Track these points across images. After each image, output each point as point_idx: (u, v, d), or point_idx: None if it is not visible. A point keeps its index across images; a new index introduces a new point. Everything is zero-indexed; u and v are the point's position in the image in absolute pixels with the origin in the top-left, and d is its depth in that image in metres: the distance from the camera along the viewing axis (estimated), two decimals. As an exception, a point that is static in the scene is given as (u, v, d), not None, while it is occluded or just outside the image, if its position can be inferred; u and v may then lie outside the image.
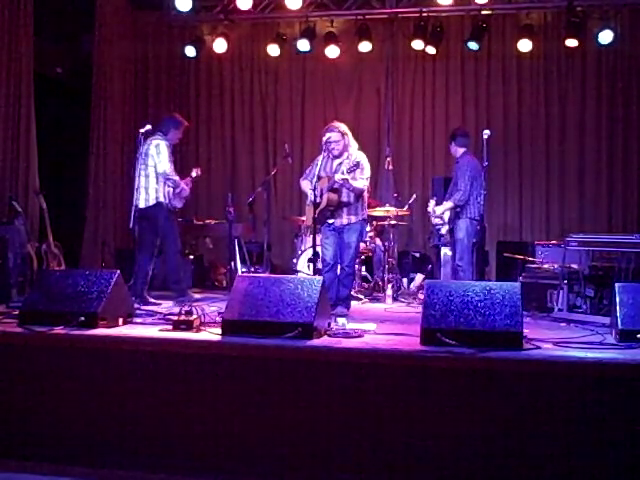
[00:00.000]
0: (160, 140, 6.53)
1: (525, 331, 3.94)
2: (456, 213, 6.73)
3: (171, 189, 6.52)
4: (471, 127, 9.37)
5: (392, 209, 7.80)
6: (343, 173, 5.82)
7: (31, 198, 7.90)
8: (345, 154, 6.06)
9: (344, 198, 6.03)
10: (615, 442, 3.45)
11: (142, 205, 6.40)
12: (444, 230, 6.91)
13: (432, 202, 7.07)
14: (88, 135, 9.39)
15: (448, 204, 6.79)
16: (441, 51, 9.25)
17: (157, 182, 6.45)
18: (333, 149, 6.04)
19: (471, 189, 6.64)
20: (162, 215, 6.44)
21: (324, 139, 6.00)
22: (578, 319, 5.37)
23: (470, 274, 6.55)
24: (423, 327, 3.91)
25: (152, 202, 6.43)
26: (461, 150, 6.96)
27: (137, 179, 6.39)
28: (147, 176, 6.44)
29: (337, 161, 6.09)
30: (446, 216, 6.82)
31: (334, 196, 5.99)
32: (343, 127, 6.08)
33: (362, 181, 6.01)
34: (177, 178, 6.55)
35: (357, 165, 5.89)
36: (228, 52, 9.68)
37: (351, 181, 5.87)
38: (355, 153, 6.09)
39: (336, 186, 5.95)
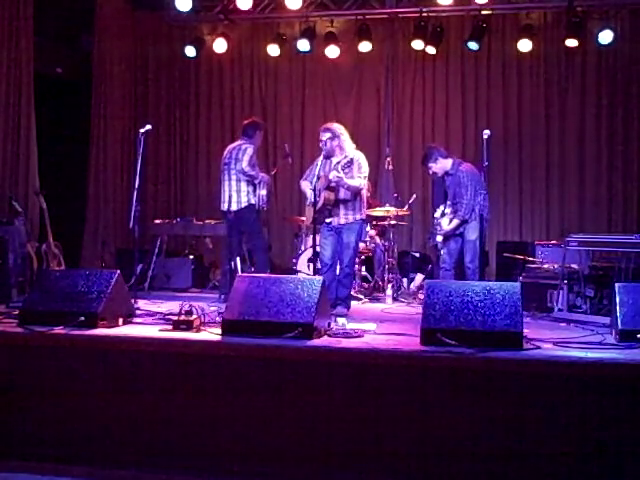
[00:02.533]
0: (247, 145, 6.90)
1: (525, 331, 3.95)
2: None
3: (264, 192, 6.86)
4: (471, 127, 9.40)
5: (392, 209, 7.79)
6: (338, 171, 5.85)
7: (31, 198, 7.90)
8: (342, 154, 6.10)
9: (341, 196, 6.06)
10: (615, 442, 3.46)
11: (234, 208, 6.80)
12: (439, 238, 6.82)
13: (442, 208, 6.86)
14: (88, 135, 9.39)
15: (455, 222, 6.56)
16: (441, 51, 9.23)
17: (248, 185, 6.79)
18: (322, 150, 6.09)
19: (474, 199, 6.42)
20: (252, 216, 6.84)
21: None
22: (578, 319, 5.37)
23: (477, 275, 6.44)
24: (423, 327, 3.92)
25: (244, 204, 6.79)
26: (449, 162, 6.66)
27: (227, 184, 6.84)
28: (239, 180, 6.79)
29: (334, 160, 6.12)
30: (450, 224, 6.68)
31: (330, 194, 6.03)
32: (334, 128, 6.14)
33: (359, 179, 6.03)
34: (254, 172, 6.80)
35: (351, 162, 5.94)
36: (228, 52, 9.67)
37: (346, 179, 5.90)
38: (352, 152, 6.12)
39: (332, 184, 5.98)
